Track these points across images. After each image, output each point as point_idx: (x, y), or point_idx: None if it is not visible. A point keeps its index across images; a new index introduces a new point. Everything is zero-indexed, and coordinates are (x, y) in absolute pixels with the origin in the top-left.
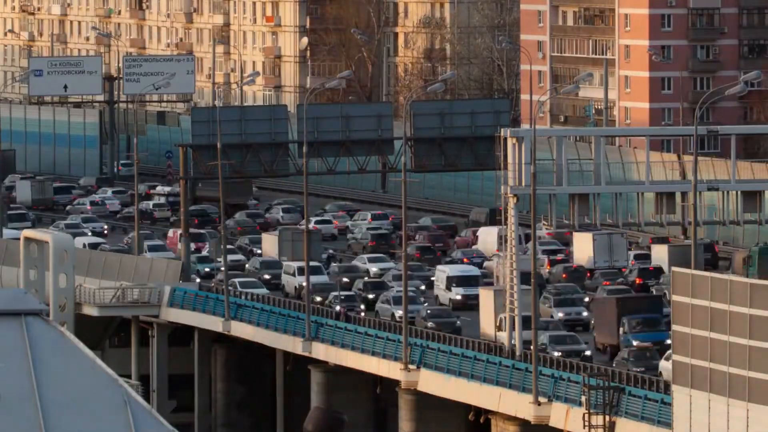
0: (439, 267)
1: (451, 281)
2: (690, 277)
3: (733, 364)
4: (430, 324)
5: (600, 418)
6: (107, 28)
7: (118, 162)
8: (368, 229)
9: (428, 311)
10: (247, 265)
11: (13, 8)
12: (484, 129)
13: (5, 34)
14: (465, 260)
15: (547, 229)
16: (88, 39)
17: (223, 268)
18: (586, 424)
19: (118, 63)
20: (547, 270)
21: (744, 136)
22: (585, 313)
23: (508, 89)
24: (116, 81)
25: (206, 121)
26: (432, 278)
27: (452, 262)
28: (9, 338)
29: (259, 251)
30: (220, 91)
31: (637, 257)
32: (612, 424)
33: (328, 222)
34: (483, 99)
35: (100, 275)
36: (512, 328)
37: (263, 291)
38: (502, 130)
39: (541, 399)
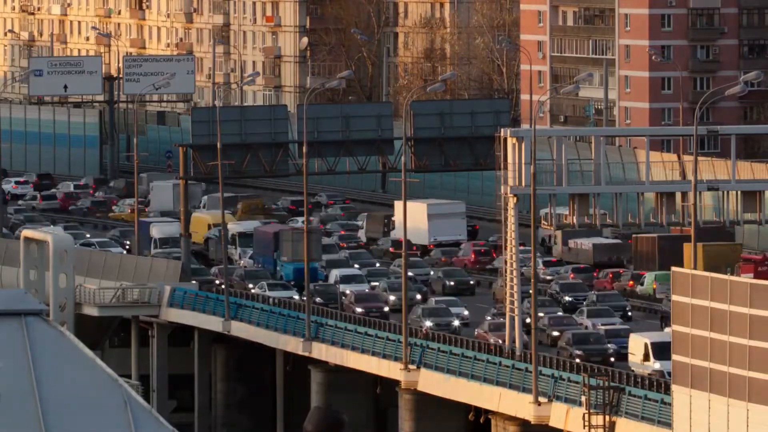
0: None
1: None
2: (690, 277)
3: (733, 364)
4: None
5: (600, 418)
6: (107, 28)
7: (118, 162)
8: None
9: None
10: None
11: (13, 8)
12: (484, 129)
13: (5, 34)
14: None
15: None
16: (88, 39)
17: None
18: (586, 424)
19: (118, 63)
20: None
21: (744, 136)
22: None
23: (508, 89)
24: (116, 81)
25: (206, 121)
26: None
27: None
28: (9, 338)
29: None
30: (220, 91)
31: None
32: (612, 424)
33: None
34: (483, 99)
35: (100, 275)
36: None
37: None
38: (502, 130)
39: (541, 399)
